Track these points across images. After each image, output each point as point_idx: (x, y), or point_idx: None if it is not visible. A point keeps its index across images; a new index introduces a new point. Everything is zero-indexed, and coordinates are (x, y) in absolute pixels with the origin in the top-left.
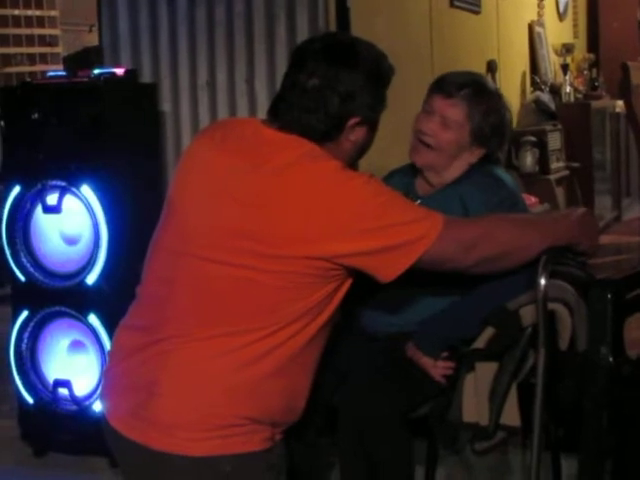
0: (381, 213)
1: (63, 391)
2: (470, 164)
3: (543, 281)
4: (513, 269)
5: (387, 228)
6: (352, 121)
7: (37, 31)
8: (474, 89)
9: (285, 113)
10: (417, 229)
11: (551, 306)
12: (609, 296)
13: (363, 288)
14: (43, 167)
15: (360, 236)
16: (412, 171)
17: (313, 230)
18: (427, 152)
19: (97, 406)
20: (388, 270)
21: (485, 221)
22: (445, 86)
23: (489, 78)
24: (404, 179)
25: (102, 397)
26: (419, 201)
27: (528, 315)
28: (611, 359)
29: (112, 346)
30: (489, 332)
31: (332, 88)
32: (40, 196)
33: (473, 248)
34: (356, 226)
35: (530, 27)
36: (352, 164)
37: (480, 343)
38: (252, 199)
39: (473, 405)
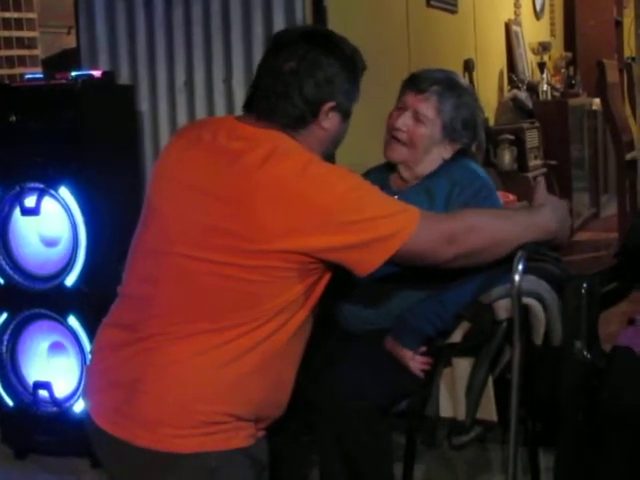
0: (358, 206)
1: (43, 393)
2: (444, 159)
3: (517, 277)
4: (497, 264)
5: (365, 222)
6: (327, 106)
7: (15, 34)
8: (445, 84)
9: (261, 101)
10: (395, 223)
11: (525, 301)
12: (583, 291)
13: (341, 285)
14: (21, 169)
15: (337, 230)
16: (388, 168)
17: (291, 224)
18: (400, 148)
19: (78, 407)
20: (365, 264)
21: (464, 216)
22: (417, 82)
23: (466, 77)
24: (379, 176)
25: (85, 395)
26: (396, 197)
27: (502, 309)
28: (586, 353)
29: (95, 344)
30: (464, 326)
31: (309, 72)
32: (18, 198)
33: (451, 243)
34: (333, 219)
35: (507, 26)
36: (327, 157)
37: (456, 337)
38: (229, 196)
39: (450, 400)
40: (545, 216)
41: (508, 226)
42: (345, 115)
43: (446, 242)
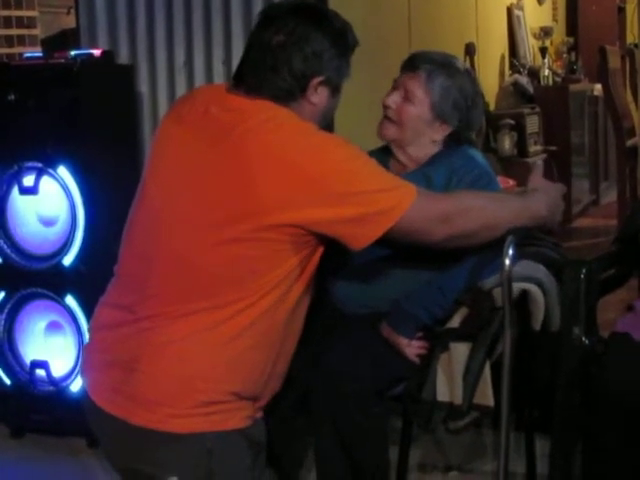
0: (355, 178)
1: (40, 372)
2: (434, 141)
3: (508, 261)
4: (489, 249)
5: (361, 195)
6: (315, 80)
7: (15, 13)
8: (437, 64)
9: (250, 74)
10: (391, 198)
11: (524, 286)
12: (582, 276)
13: (337, 268)
14: (20, 148)
15: (333, 202)
16: (386, 152)
17: (286, 196)
18: (391, 126)
19: (74, 387)
20: (360, 238)
21: (458, 197)
22: (412, 61)
23: (467, 61)
24: (380, 159)
25: (83, 373)
26: None
27: (501, 295)
28: (584, 339)
29: (92, 323)
30: (463, 312)
31: (298, 45)
32: (17, 177)
33: (444, 222)
34: (329, 190)
35: (509, 10)
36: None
37: (454, 323)
38: (223, 169)
39: (447, 384)
40: (537, 201)
41: (501, 210)
42: (334, 90)
43: (439, 221)
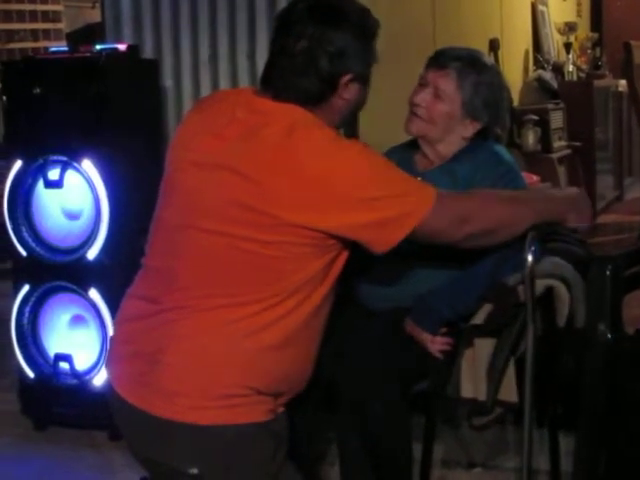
0: (375, 183)
1: (64, 365)
2: (464, 138)
3: (530, 257)
4: (512, 245)
5: (381, 199)
6: (345, 78)
7: (40, 7)
8: (466, 61)
9: (277, 79)
10: (411, 201)
11: (549, 282)
12: (608, 273)
13: (361, 263)
14: (45, 142)
15: (354, 207)
16: (411, 147)
17: (308, 201)
18: (420, 122)
19: (98, 380)
20: (382, 242)
21: (477, 195)
22: (440, 58)
23: (491, 56)
24: (403, 155)
25: (107, 364)
26: (419, 178)
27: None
28: (609, 336)
29: (118, 315)
30: (487, 308)
31: (321, 48)
32: (42, 171)
33: (465, 222)
34: (350, 196)
35: (533, 5)
36: (347, 122)
37: (478, 319)
38: (248, 170)
39: (471, 381)
40: (559, 198)
41: (520, 207)
42: (364, 82)
43: (459, 221)
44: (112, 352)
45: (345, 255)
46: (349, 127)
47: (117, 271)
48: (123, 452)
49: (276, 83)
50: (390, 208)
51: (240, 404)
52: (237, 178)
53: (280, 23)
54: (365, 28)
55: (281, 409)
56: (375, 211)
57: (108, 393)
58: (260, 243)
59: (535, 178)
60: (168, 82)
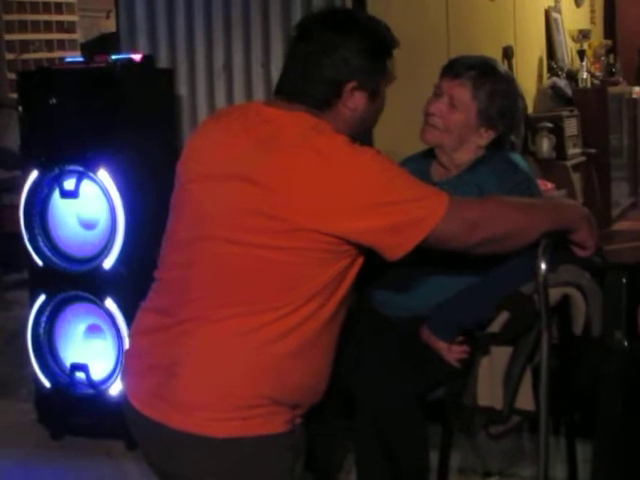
0: (388, 189)
1: (80, 375)
2: (480, 147)
3: (543, 265)
4: (529, 254)
5: (395, 204)
6: (349, 86)
7: (55, 17)
8: (481, 70)
9: (287, 85)
10: (424, 207)
11: (566, 291)
12: (624, 281)
13: (378, 271)
14: (61, 152)
15: (367, 212)
16: (427, 157)
17: (322, 206)
18: (436, 132)
19: (114, 390)
20: (395, 248)
21: (490, 201)
22: (454, 68)
23: (505, 64)
24: (419, 165)
25: (123, 376)
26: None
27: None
28: (626, 343)
29: (133, 328)
30: (504, 316)
31: (326, 52)
32: (58, 181)
33: (477, 228)
34: (363, 201)
35: (547, 13)
36: (362, 139)
37: (495, 327)
38: (262, 178)
39: (488, 389)
40: (571, 207)
41: (532, 213)
42: (372, 94)
43: (472, 227)
44: (127, 365)
45: (359, 262)
46: (363, 137)
47: (133, 280)
48: (139, 462)
49: (286, 89)
50: (404, 213)
51: (257, 415)
52: (251, 187)
53: (295, 33)
54: (376, 43)
55: (299, 420)
56: (389, 216)
57: (124, 405)
58: (275, 249)
59: (550, 185)
60: (183, 91)
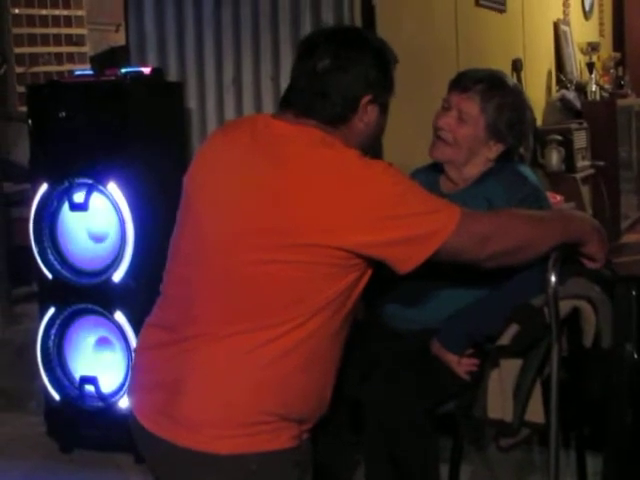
0: (400, 202)
1: (89, 388)
2: (489, 160)
3: (553, 277)
4: (539, 266)
5: (406, 218)
6: (365, 100)
7: (64, 31)
8: (489, 83)
9: (298, 100)
10: (436, 220)
11: (576, 303)
12: (634, 293)
13: (388, 284)
14: (70, 165)
15: (378, 225)
16: (436, 169)
17: (332, 219)
18: (445, 147)
19: (123, 403)
20: (406, 261)
21: (501, 214)
22: (462, 81)
23: (514, 77)
24: (428, 177)
25: (129, 393)
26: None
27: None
28: (636, 356)
29: (138, 344)
30: (514, 329)
31: (343, 68)
32: (67, 194)
33: (488, 241)
34: (374, 214)
35: (555, 26)
36: (371, 153)
37: (505, 340)
38: (268, 192)
39: (498, 401)
40: (581, 220)
41: (543, 226)
42: (383, 107)
43: (484, 240)
44: (133, 381)
45: (368, 275)
46: (373, 150)
47: (143, 293)
48: (147, 475)
49: (296, 103)
50: (415, 226)
51: (263, 431)
52: (258, 200)
53: (303, 47)
54: (385, 56)
55: (306, 435)
56: (400, 229)
57: (130, 421)
58: (282, 264)
59: (559, 198)
60: (192, 104)
